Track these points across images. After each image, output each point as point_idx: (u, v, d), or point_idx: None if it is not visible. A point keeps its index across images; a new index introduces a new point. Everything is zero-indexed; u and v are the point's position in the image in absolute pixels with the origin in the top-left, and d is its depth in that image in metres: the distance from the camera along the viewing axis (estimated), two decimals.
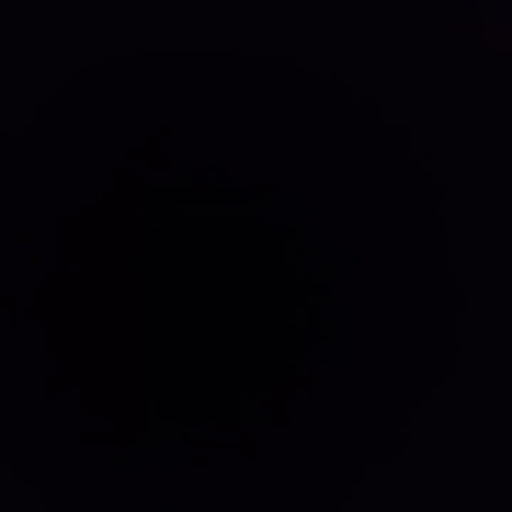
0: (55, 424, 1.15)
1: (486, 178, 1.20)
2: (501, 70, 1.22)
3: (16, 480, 1.14)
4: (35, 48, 1.22)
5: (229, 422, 1.14)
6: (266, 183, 1.19)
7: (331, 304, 1.16)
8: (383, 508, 1.12)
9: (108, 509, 1.14)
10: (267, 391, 1.14)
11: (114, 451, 1.14)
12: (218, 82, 1.23)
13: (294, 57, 1.22)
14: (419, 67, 1.22)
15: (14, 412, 1.15)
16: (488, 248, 1.18)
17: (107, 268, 1.18)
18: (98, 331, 1.17)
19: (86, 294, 1.17)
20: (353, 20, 1.23)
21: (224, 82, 1.23)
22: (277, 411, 1.14)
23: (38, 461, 1.14)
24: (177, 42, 1.23)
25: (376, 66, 1.22)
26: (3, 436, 1.14)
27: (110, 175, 1.20)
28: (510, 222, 1.18)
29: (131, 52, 1.22)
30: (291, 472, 1.13)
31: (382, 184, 1.19)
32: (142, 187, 1.20)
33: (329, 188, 1.19)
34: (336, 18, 1.23)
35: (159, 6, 1.23)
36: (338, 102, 1.21)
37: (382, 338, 1.15)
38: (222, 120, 1.22)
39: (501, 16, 1.23)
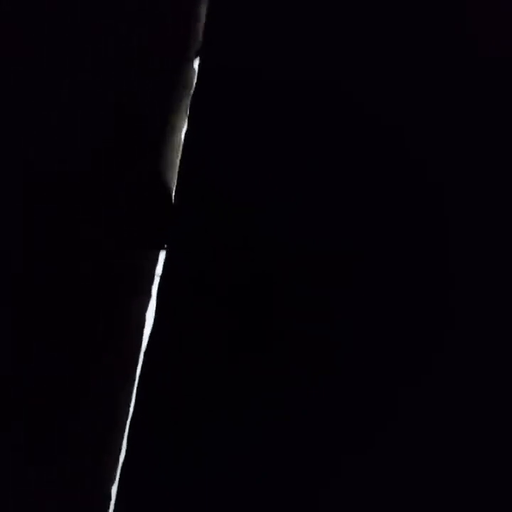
0: (55, 424, 1.15)
1: (486, 178, 1.20)
2: (501, 70, 1.22)
3: (15, 479, 1.15)
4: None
5: (229, 422, 1.14)
6: (265, 184, 1.20)
7: (330, 303, 1.16)
8: (383, 506, 1.13)
9: (111, 509, 1.14)
10: (267, 391, 1.14)
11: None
12: (218, 83, 1.23)
13: (295, 61, 1.23)
14: (419, 67, 1.23)
15: (14, 412, 1.15)
16: (488, 248, 1.18)
17: (106, 268, 1.18)
18: (98, 331, 1.17)
19: (86, 293, 1.18)
20: (353, 21, 1.24)
21: (224, 83, 1.23)
22: (277, 411, 1.14)
23: (38, 461, 1.15)
24: (176, 42, 1.23)
25: (376, 66, 1.23)
26: (4, 436, 1.15)
27: (110, 174, 1.20)
28: (510, 222, 1.19)
29: (132, 53, 1.23)
30: (291, 472, 1.13)
31: (381, 184, 1.20)
32: (141, 186, 1.20)
33: (329, 188, 1.20)
34: (336, 18, 1.24)
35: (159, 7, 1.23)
36: (338, 103, 1.21)
37: (382, 338, 1.15)
38: (223, 121, 1.22)
39: (501, 16, 1.23)
